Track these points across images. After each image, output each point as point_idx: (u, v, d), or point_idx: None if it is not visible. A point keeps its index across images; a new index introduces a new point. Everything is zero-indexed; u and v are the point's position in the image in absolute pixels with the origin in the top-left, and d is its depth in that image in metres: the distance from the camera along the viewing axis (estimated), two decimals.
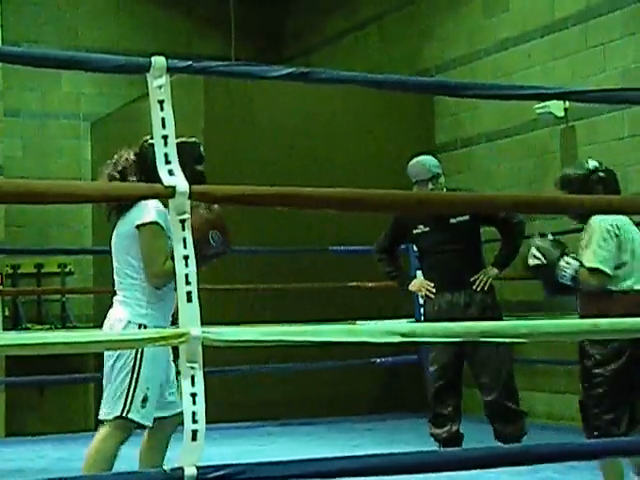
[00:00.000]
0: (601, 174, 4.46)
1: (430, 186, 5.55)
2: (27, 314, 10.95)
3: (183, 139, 3.97)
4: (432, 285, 5.59)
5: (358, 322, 7.32)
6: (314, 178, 8.55)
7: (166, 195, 2.45)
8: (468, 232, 5.55)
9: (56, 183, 2.46)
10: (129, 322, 3.92)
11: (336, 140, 9.48)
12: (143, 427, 3.96)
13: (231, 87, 8.82)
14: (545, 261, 4.32)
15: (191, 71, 2.55)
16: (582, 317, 4.45)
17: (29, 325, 10.66)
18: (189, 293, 2.47)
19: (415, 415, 5.87)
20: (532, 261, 4.36)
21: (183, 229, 2.46)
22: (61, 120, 11.52)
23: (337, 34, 11.41)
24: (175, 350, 3.76)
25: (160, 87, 2.47)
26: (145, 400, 3.86)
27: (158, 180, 3.78)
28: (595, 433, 4.34)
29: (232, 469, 2.36)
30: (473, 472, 2.89)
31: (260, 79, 2.68)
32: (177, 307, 2.42)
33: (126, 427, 3.89)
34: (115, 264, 4.05)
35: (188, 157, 3.88)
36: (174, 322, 3.86)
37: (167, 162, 2.48)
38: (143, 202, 3.86)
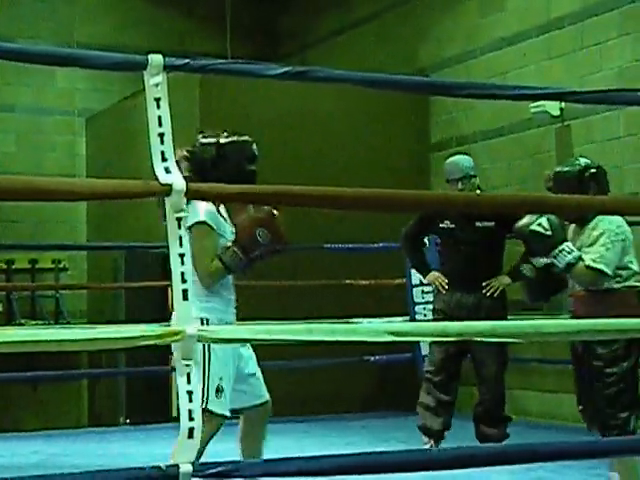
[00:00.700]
0: (593, 171, 4.49)
1: (460, 185, 5.63)
2: (21, 310, 10.95)
3: (234, 137, 4.04)
4: (446, 281, 5.66)
5: (352, 320, 7.34)
6: (310, 176, 8.55)
7: (163, 193, 2.45)
8: (490, 238, 5.61)
9: (50, 180, 2.46)
10: (196, 317, 3.83)
11: (332, 138, 9.49)
12: (230, 418, 4.00)
13: (227, 85, 8.82)
14: (550, 233, 4.28)
15: (188, 69, 2.55)
16: (577, 316, 4.47)
17: (23, 321, 10.65)
18: (185, 291, 2.48)
19: (409, 413, 5.89)
20: (535, 227, 4.30)
21: (179, 227, 2.46)
22: (55, 116, 11.51)
23: (333, 32, 11.41)
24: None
25: (157, 85, 2.47)
26: (219, 391, 3.89)
27: (211, 179, 3.84)
28: (615, 432, 4.35)
29: (227, 466, 2.36)
30: (467, 470, 2.90)
31: (258, 77, 2.69)
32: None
33: (210, 420, 3.87)
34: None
35: (239, 155, 3.98)
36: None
37: (164, 160, 2.48)
38: (193, 202, 3.84)
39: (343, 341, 3.79)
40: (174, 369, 2.57)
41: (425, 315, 8.09)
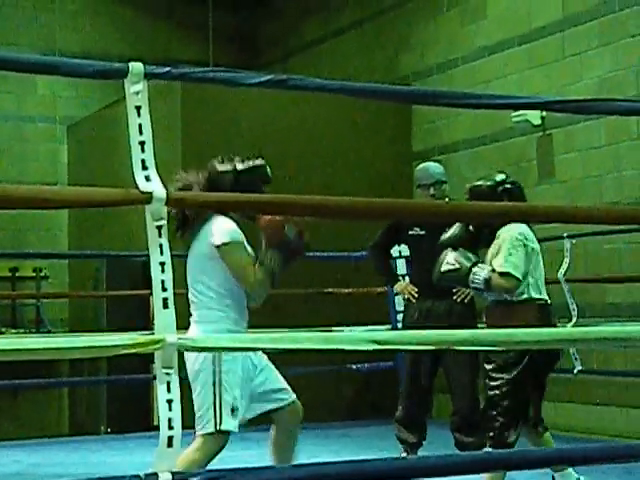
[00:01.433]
0: (507, 186, 4.73)
1: (432, 191, 5.67)
2: (1, 318, 10.89)
3: (250, 163, 4.14)
4: (416, 290, 5.67)
5: (334, 329, 7.33)
6: (291, 184, 8.55)
7: (143, 201, 2.44)
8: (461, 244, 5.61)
9: (30, 188, 2.45)
10: None
11: (313, 147, 9.49)
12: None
13: (209, 93, 8.81)
14: (458, 266, 4.58)
15: (169, 77, 2.55)
16: (488, 326, 4.64)
17: (3, 329, 10.60)
18: (165, 299, 2.47)
19: (392, 421, 5.90)
20: (445, 267, 4.61)
21: (160, 235, 2.46)
22: (37, 123, 11.48)
23: (315, 40, 11.43)
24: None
25: (137, 93, 2.46)
26: (235, 410, 3.97)
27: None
28: (490, 434, 4.58)
29: (207, 475, 2.36)
30: (454, 478, 2.91)
31: (238, 86, 2.69)
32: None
33: (220, 438, 3.99)
34: (190, 286, 4.07)
35: (255, 180, 4.08)
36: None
37: (144, 168, 2.47)
38: (214, 219, 3.96)
39: (326, 349, 3.79)
40: (155, 377, 2.56)
41: None
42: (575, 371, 7.65)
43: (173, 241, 2.60)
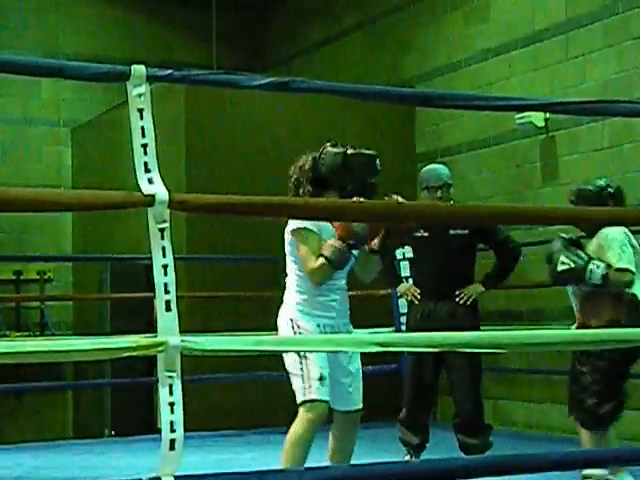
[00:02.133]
0: (611, 190, 5.09)
1: (439, 194, 5.64)
2: (6, 321, 10.90)
3: (360, 150, 4.23)
4: (418, 292, 5.66)
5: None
6: None
7: (146, 204, 2.44)
8: (464, 246, 5.62)
9: (34, 191, 2.45)
10: (288, 318, 4.19)
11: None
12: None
13: (212, 95, 8.81)
14: (574, 265, 4.88)
15: (171, 80, 2.55)
16: (582, 324, 5.01)
17: (8, 332, 10.60)
18: (168, 302, 2.47)
19: (395, 424, 5.89)
20: (561, 267, 4.92)
21: (162, 238, 2.46)
22: (41, 126, 11.48)
23: (319, 43, 11.43)
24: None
25: (140, 95, 2.46)
26: (322, 379, 4.09)
27: (334, 190, 4.13)
28: (586, 416, 5.01)
29: (209, 479, 2.35)
30: None
31: (241, 88, 2.69)
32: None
33: (315, 408, 4.11)
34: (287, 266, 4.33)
35: (362, 169, 4.18)
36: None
37: (147, 170, 2.47)
38: None
39: (330, 351, 3.79)
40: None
41: None
42: None
43: (177, 244, 2.60)
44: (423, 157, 9.46)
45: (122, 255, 8.92)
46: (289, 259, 4.26)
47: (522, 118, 8.31)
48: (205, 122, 9.18)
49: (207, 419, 8.43)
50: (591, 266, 4.87)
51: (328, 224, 4.16)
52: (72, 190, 10.20)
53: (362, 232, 4.11)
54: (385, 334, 3.93)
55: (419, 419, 5.76)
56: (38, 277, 11.15)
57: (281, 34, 12.21)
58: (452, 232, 5.60)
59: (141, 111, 2.47)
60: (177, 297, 2.48)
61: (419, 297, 5.68)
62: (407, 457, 5.74)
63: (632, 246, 4.99)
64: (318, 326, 4.17)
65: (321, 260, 4.08)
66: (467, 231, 5.60)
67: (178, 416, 2.38)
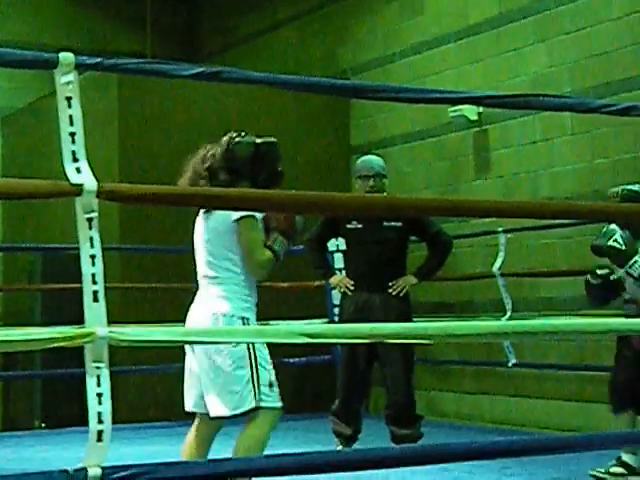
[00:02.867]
0: None
1: (371, 183, 5.67)
2: None
3: (266, 139, 4.11)
4: (351, 283, 5.69)
5: (271, 322, 7.33)
6: None
7: (73, 193, 2.41)
8: (397, 238, 5.66)
9: None
10: (233, 316, 3.92)
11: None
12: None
13: (146, 84, 8.75)
14: (624, 248, 5.03)
15: (100, 68, 2.52)
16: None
17: None
18: (95, 292, 2.45)
19: (327, 415, 5.91)
20: (612, 243, 5.05)
21: (90, 228, 2.43)
22: None
23: (255, 33, 11.40)
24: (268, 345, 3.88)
25: (68, 84, 2.43)
26: (272, 385, 3.91)
27: (247, 179, 3.99)
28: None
29: (137, 469, 2.34)
30: (382, 470, 2.93)
31: (170, 78, 2.67)
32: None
33: (266, 414, 3.91)
34: (208, 258, 4.03)
35: (273, 157, 4.08)
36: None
37: (75, 160, 2.44)
38: None
39: (260, 343, 3.78)
40: None
41: None
42: (510, 364, 7.74)
43: (110, 234, 2.58)
44: (357, 149, 9.49)
45: (53, 245, 8.80)
46: (223, 249, 3.98)
47: (455, 111, 8.38)
48: (139, 112, 9.10)
49: (142, 410, 8.39)
50: (637, 259, 5.02)
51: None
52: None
53: (301, 227, 4.09)
54: (313, 325, 3.94)
55: (352, 410, 5.79)
56: None
57: (216, 24, 12.15)
58: (386, 224, 5.65)
59: (69, 99, 2.44)
60: (110, 288, 2.46)
61: (352, 288, 5.71)
62: (339, 448, 5.77)
63: None
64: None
65: (269, 254, 3.97)
66: (400, 223, 5.65)
67: (106, 407, 2.36)
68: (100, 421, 2.34)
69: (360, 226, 5.66)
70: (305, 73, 9.26)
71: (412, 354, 5.78)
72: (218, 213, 3.98)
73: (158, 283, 8.46)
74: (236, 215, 3.93)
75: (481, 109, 8.35)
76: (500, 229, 7.62)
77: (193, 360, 4.01)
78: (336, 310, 8.35)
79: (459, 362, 8.51)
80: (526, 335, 3.40)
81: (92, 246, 2.43)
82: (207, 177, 4.02)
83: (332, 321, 8.19)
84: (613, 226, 5.15)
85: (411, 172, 9.20)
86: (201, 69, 2.55)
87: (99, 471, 2.30)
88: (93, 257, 2.44)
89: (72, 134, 2.44)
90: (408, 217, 5.52)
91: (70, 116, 2.44)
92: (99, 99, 9.06)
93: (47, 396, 9.89)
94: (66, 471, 2.27)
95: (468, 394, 8.51)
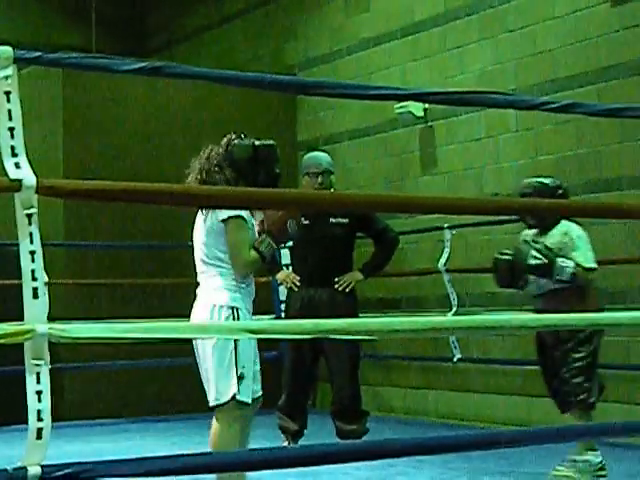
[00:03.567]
0: (561, 191, 5.26)
1: (319, 180, 5.67)
2: None
3: (264, 142, 4.22)
4: (298, 279, 5.69)
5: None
6: (174, 172, 8.47)
7: (12, 189, 2.38)
8: (344, 234, 5.68)
9: None
10: (222, 306, 4.10)
11: (197, 135, 9.41)
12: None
13: (90, 79, 8.68)
14: (546, 260, 5.06)
15: (40, 62, 2.49)
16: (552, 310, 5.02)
17: None
18: (35, 289, 2.42)
19: (274, 411, 5.91)
20: (533, 261, 5.09)
21: (30, 224, 2.40)
22: None
23: (201, 28, 11.36)
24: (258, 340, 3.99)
25: (6, 78, 2.40)
26: (241, 378, 4.05)
27: (249, 178, 4.08)
28: (577, 399, 5.11)
29: (77, 467, 2.32)
30: (329, 466, 2.93)
31: (113, 72, 2.64)
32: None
33: (234, 409, 4.08)
34: (201, 256, 4.20)
35: (271, 159, 4.20)
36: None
37: (13, 155, 2.41)
38: None
39: (202, 339, 3.77)
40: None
41: None
42: (455, 359, 7.80)
43: (50, 229, 2.55)
44: (304, 145, 9.50)
45: None
46: (214, 248, 4.12)
47: (401, 108, 8.41)
48: (83, 106, 9.02)
49: (87, 407, 8.32)
50: (560, 263, 5.06)
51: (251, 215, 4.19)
52: None
53: (292, 231, 4.18)
54: (257, 321, 3.94)
55: (297, 406, 5.80)
56: None
57: (163, 19, 12.08)
58: (332, 220, 5.66)
59: (8, 94, 2.40)
60: (55, 284, 2.43)
61: (298, 284, 5.72)
62: (285, 443, 5.78)
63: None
64: (249, 314, 4.24)
65: (255, 254, 4.09)
66: (347, 220, 5.67)
67: (45, 405, 2.34)
68: (40, 419, 2.32)
69: (307, 222, 5.68)
70: (253, 69, 9.25)
71: (358, 350, 5.80)
72: (212, 212, 4.11)
73: (107, 279, 8.40)
74: (223, 215, 4.06)
75: (427, 106, 8.39)
76: (445, 225, 7.67)
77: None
78: (283, 306, 8.34)
79: (405, 357, 8.55)
80: (469, 330, 3.43)
81: (32, 242, 2.40)
82: (218, 172, 4.10)
83: (279, 317, 8.19)
84: (522, 245, 5.21)
85: (358, 168, 9.22)
86: (143, 64, 2.53)
87: (39, 470, 2.28)
88: (33, 253, 2.41)
89: (11, 129, 2.41)
90: (355, 214, 5.54)
91: (9, 110, 2.41)
92: (43, 93, 8.96)
93: None
94: (5, 470, 2.25)
95: (414, 389, 8.55)
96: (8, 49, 2.40)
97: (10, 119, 2.41)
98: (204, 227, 4.16)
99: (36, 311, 2.41)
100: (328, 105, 9.40)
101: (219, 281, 4.13)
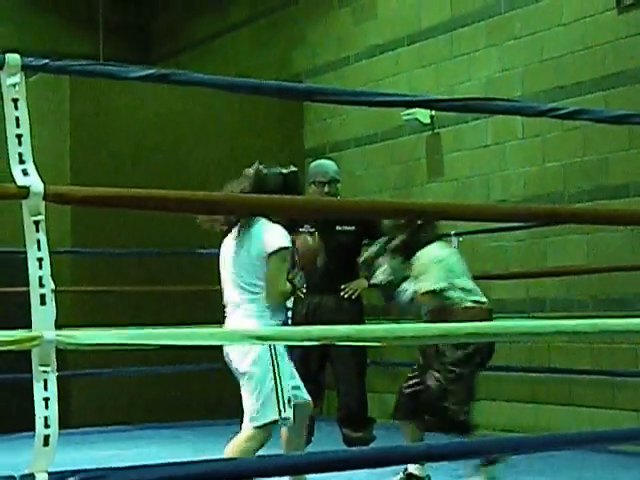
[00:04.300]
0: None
1: (326, 189, 5.68)
2: None
3: (291, 169, 4.51)
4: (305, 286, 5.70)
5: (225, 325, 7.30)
6: (183, 180, 8.50)
7: (20, 196, 2.39)
8: (350, 241, 5.68)
9: None
10: None
11: (205, 143, 9.45)
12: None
13: (98, 87, 8.70)
14: (392, 278, 5.20)
15: (47, 70, 2.50)
16: None
17: None
18: (43, 296, 2.42)
19: None
20: (374, 281, 5.28)
21: (37, 230, 2.41)
22: None
23: (208, 36, 11.38)
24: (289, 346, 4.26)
25: (14, 85, 2.41)
26: (290, 400, 4.28)
27: None
28: (459, 419, 5.07)
29: (84, 474, 2.32)
30: (337, 473, 2.93)
31: (120, 79, 2.65)
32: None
33: (270, 429, 4.27)
34: (237, 280, 4.37)
35: (298, 184, 4.47)
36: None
37: (21, 162, 2.42)
38: (266, 222, 4.31)
39: (210, 345, 3.77)
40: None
41: None
42: None
43: (57, 236, 2.56)
44: (311, 152, 9.51)
45: (1, 248, 8.69)
46: (254, 277, 4.29)
47: (408, 115, 8.42)
48: (90, 114, 9.04)
49: (94, 414, 8.33)
50: (401, 289, 5.18)
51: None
52: None
53: (321, 265, 4.53)
54: (264, 328, 3.94)
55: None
56: None
57: (170, 27, 12.10)
58: (338, 228, 5.66)
59: (16, 101, 2.41)
60: (61, 291, 2.44)
61: (305, 292, 5.71)
62: None
63: (441, 262, 5.15)
64: None
65: (289, 286, 4.32)
66: (353, 227, 5.67)
67: (52, 411, 2.34)
68: (47, 426, 2.32)
69: (312, 230, 5.67)
70: (259, 77, 9.26)
71: (364, 356, 5.79)
72: (255, 237, 4.28)
73: (115, 286, 8.41)
74: (274, 246, 4.24)
75: (434, 113, 8.40)
76: (452, 232, 7.66)
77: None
78: (289, 313, 8.34)
79: (411, 364, 8.51)
80: (475, 337, 3.42)
81: (39, 249, 2.41)
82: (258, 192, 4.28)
83: (285, 324, 8.18)
84: (380, 269, 5.26)
85: (365, 175, 9.22)
86: (150, 71, 2.54)
87: (46, 477, 2.28)
88: (40, 260, 2.41)
89: (19, 136, 2.42)
90: (361, 221, 5.54)
91: (17, 118, 2.42)
92: (51, 101, 8.99)
93: None
94: (12, 477, 2.25)
95: None
96: (16, 57, 2.41)
97: (18, 126, 2.41)
98: (246, 254, 4.30)
99: (44, 318, 2.42)
100: (335, 112, 9.40)
101: (254, 307, 4.31)
